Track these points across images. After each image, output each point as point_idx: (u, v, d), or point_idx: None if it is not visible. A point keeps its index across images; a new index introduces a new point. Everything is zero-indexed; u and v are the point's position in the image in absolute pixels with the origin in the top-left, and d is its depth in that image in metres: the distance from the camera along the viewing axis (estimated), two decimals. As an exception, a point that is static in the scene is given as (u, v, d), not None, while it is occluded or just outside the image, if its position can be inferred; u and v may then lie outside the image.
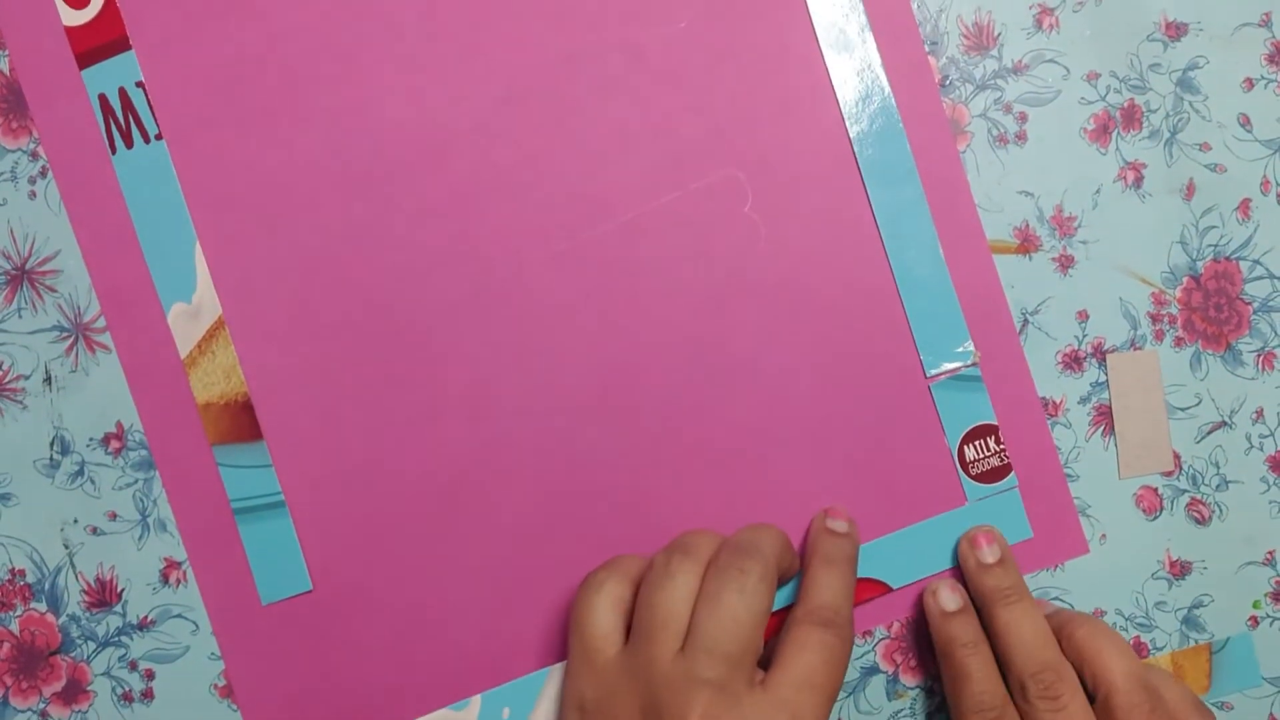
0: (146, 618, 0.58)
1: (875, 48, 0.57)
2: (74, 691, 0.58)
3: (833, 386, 0.57)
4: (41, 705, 0.58)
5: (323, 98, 0.57)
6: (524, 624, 0.58)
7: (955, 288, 0.57)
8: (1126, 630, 0.58)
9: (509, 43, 0.57)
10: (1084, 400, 0.58)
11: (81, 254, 0.57)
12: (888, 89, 0.57)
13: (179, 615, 0.58)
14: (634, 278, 0.57)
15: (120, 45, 0.57)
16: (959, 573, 0.57)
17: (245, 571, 0.57)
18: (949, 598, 0.56)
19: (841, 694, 0.58)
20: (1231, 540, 0.58)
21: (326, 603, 0.57)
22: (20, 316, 0.57)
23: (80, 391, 0.57)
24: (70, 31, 0.57)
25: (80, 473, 0.57)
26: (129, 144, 0.57)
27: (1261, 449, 0.58)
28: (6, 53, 0.57)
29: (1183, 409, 0.58)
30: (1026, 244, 0.57)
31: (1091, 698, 0.53)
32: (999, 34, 0.57)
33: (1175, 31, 0.58)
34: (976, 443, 0.57)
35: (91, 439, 0.57)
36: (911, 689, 0.58)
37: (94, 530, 0.57)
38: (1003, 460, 0.57)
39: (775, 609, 0.55)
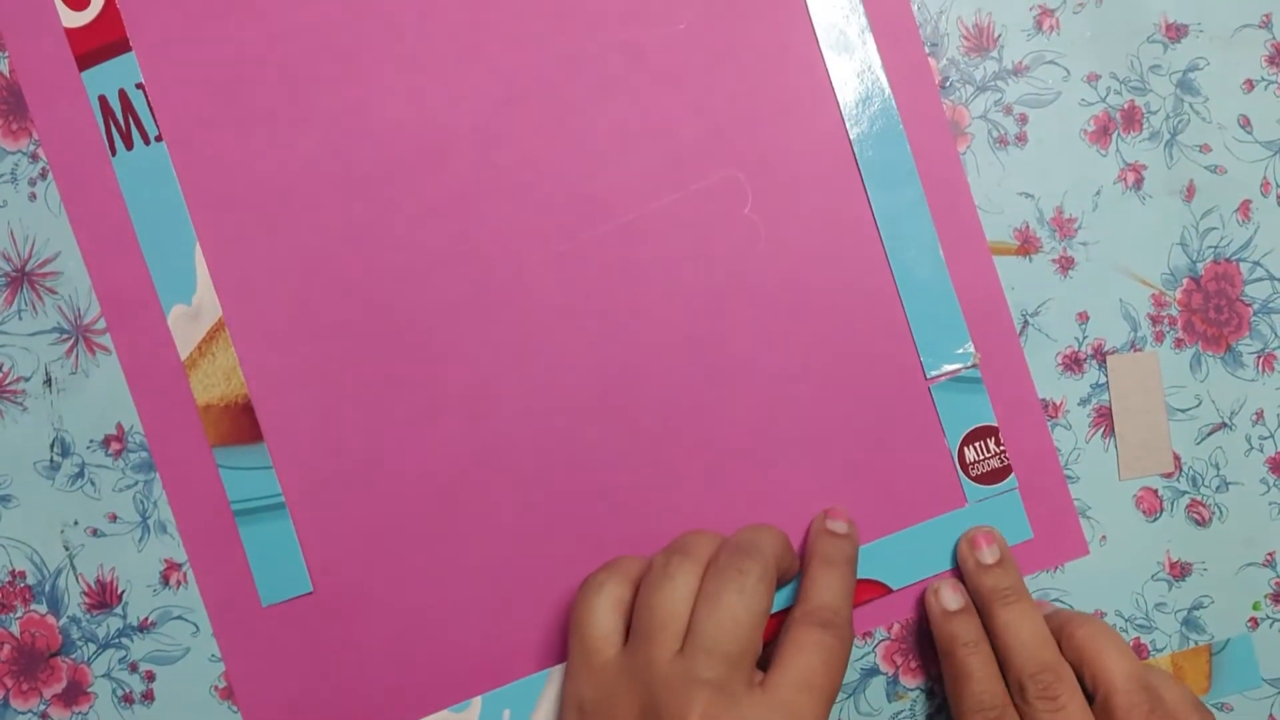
0: (147, 619, 0.58)
1: (875, 49, 0.57)
2: (74, 693, 0.58)
3: (833, 388, 0.57)
4: (42, 707, 0.58)
5: (323, 98, 0.57)
6: (524, 625, 0.58)
7: (955, 289, 0.57)
8: (1126, 631, 0.58)
9: (509, 43, 0.57)
10: (1084, 402, 0.58)
11: (82, 256, 0.57)
12: (888, 90, 0.57)
13: (179, 617, 0.58)
14: (634, 278, 0.57)
15: (120, 47, 0.57)
16: (959, 574, 0.57)
17: (245, 573, 0.57)
18: (950, 597, 0.56)
19: (842, 695, 0.58)
20: (1231, 542, 0.58)
21: (327, 604, 0.57)
22: (20, 318, 0.57)
23: (80, 393, 0.57)
24: (70, 33, 0.57)
25: (80, 474, 0.57)
26: (129, 145, 0.57)
27: (1261, 450, 0.58)
28: (6, 54, 0.57)
29: (1183, 410, 0.58)
30: (1027, 245, 0.57)
31: (1091, 698, 0.53)
32: (999, 35, 0.57)
33: (1175, 33, 0.58)
34: (977, 444, 0.57)
35: (92, 441, 0.57)
36: (912, 690, 0.58)
37: (94, 532, 0.57)
38: (1003, 461, 0.57)
39: (775, 610, 0.55)
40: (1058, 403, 0.58)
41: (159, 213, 0.57)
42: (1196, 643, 0.58)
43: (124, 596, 0.58)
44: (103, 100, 0.57)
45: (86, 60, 0.57)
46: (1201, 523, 0.58)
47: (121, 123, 0.57)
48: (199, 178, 0.57)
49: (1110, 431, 0.58)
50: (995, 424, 0.57)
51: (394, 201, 0.57)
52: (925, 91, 0.57)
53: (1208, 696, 0.58)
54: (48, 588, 0.58)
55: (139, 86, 0.57)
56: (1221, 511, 0.58)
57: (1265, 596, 0.58)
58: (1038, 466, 0.58)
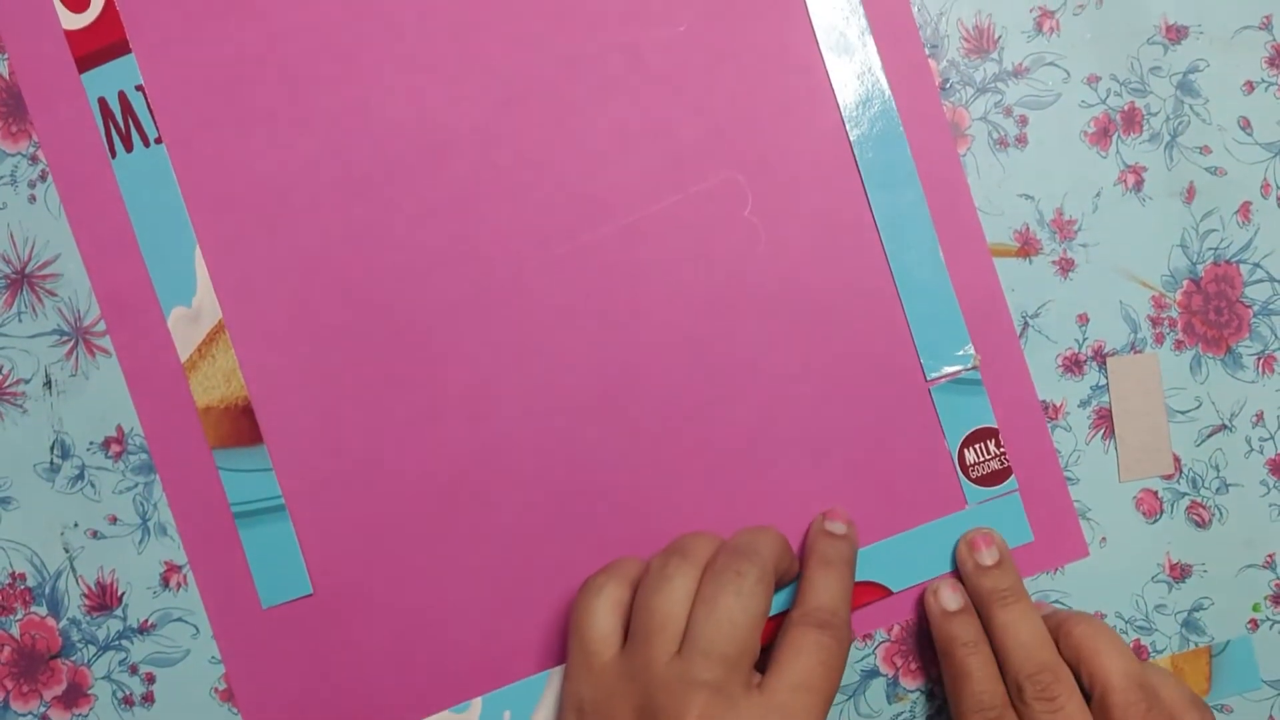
0: (147, 621, 0.58)
1: (875, 50, 0.57)
2: (74, 695, 0.58)
3: (833, 389, 0.57)
4: (42, 709, 0.58)
5: (323, 99, 0.57)
6: (524, 625, 0.58)
7: (955, 291, 0.57)
8: (1126, 633, 0.58)
9: (509, 44, 0.57)
10: (1084, 403, 0.58)
11: (81, 258, 0.57)
12: (888, 92, 0.57)
13: (179, 619, 0.58)
14: (634, 279, 0.57)
15: (120, 49, 0.57)
16: (959, 575, 0.57)
17: (246, 575, 0.57)
18: (950, 597, 0.56)
19: (842, 697, 0.58)
20: (1231, 543, 0.58)
21: (327, 606, 0.57)
22: (20, 320, 0.57)
23: (80, 395, 0.57)
24: (70, 35, 0.57)
25: (80, 476, 0.57)
26: (129, 147, 0.57)
27: (1261, 452, 0.58)
28: (6, 56, 0.57)
29: (1183, 412, 0.58)
30: (1027, 247, 0.57)
31: (1089, 697, 0.53)
32: (999, 37, 0.57)
33: (1175, 34, 0.58)
34: (976, 446, 0.57)
35: (92, 443, 0.57)
36: (912, 692, 0.58)
37: (94, 534, 0.57)
38: (1003, 463, 0.57)
39: (774, 612, 0.55)
40: (1058, 404, 0.58)
41: (159, 215, 0.57)
42: (1196, 644, 0.58)
43: (124, 598, 0.58)
44: (102, 102, 0.57)
45: (86, 62, 0.57)
46: (1201, 524, 0.58)
47: (121, 125, 0.57)
48: (199, 179, 0.57)
49: (1110, 433, 0.58)
50: (995, 426, 0.57)
51: (394, 202, 0.57)
52: (925, 93, 0.57)
53: (1208, 698, 0.58)
54: (48, 590, 0.58)
55: (139, 88, 0.57)
56: (1221, 513, 0.58)
57: (1265, 598, 0.58)
58: (1038, 468, 0.58)
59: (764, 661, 0.52)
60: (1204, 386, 0.58)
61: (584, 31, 0.57)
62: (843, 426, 0.57)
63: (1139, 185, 0.58)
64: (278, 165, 0.57)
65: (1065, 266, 0.58)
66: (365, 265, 0.57)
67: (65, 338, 0.57)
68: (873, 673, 0.58)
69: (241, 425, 0.57)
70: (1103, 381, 0.58)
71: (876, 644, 0.58)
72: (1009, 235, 0.57)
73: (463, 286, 0.57)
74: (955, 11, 0.57)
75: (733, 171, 0.57)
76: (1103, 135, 0.58)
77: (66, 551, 0.58)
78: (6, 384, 0.57)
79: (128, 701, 0.58)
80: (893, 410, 0.57)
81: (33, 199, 0.57)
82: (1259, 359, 0.58)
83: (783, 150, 0.57)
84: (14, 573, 0.57)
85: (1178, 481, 0.58)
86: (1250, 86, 0.58)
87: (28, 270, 0.57)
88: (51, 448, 0.57)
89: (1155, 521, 0.58)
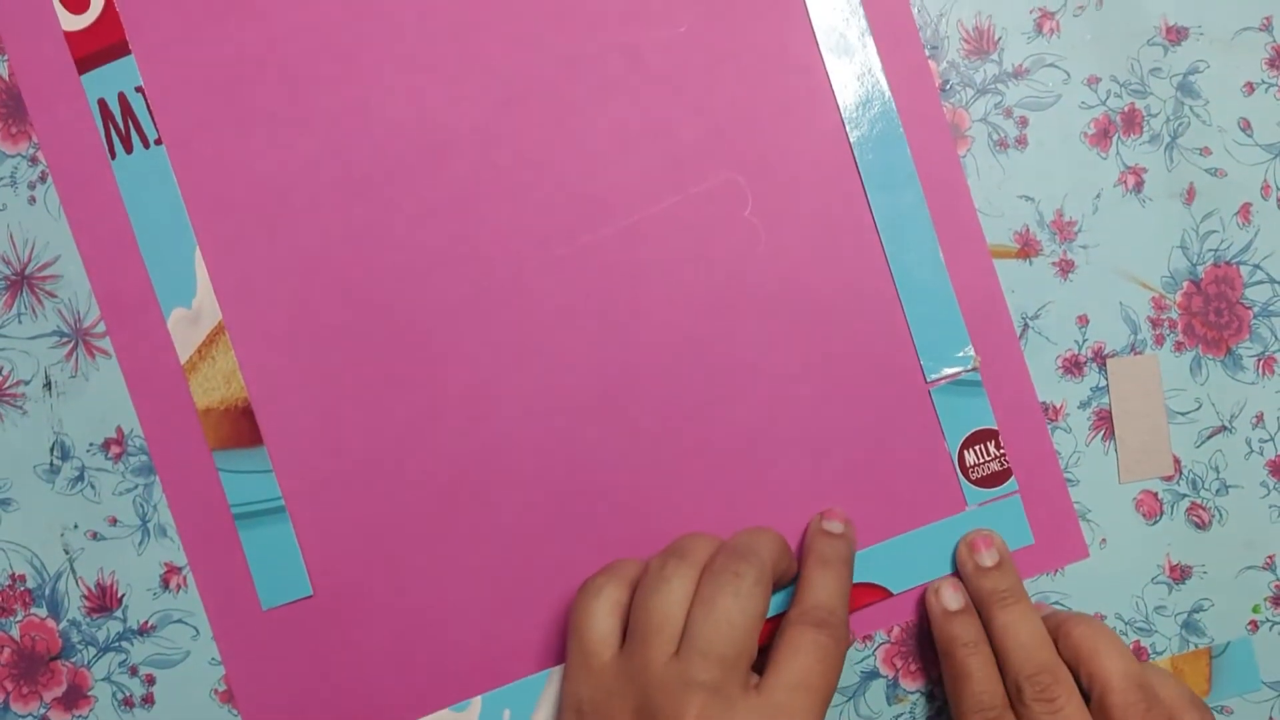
0: (147, 623, 0.58)
1: (875, 52, 0.57)
2: (74, 697, 0.58)
3: (832, 390, 0.57)
4: (42, 710, 0.58)
5: (323, 99, 0.57)
6: (524, 625, 0.58)
7: (955, 292, 0.57)
8: (1126, 634, 0.58)
9: (509, 44, 0.57)
10: (1084, 405, 0.58)
11: (81, 259, 0.57)
12: (888, 93, 0.57)
13: (179, 620, 0.58)
14: (634, 280, 0.57)
15: (120, 50, 0.57)
16: (959, 577, 0.57)
17: (245, 576, 0.57)
18: (951, 597, 0.56)
19: (842, 698, 0.58)
20: (1231, 544, 0.58)
21: (327, 607, 0.57)
22: (20, 322, 0.57)
23: (80, 397, 0.57)
24: (70, 36, 0.57)
25: (80, 478, 0.57)
26: (128, 149, 0.57)
27: (1261, 454, 0.58)
28: (6, 58, 0.57)
29: (1183, 414, 0.58)
30: (1027, 248, 0.57)
31: (1088, 698, 0.53)
32: (999, 38, 0.57)
33: (1176, 35, 0.57)
34: (976, 447, 0.57)
35: (91, 444, 0.57)
36: (911, 693, 0.58)
37: (94, 535, 0.57)
38: (1003, 465, 0.57)
39: (773, 614, 0.55)
40: (1058, 406, 0.58)
41: (159, 216, 0.57)
42: (1196, 646, 0.58)
43: (124, 600, 0.58)
44: (102, 104, 0.57)
45: (86, 64, 0.57)
46: (1201, 526, 0.58)
47: (121, 126, 0.57)
48: (198, 181, 0.57)
49: (1110, 434, 0.58)
50: (995, 427, 0.57)
51: (394, 202, 0.57)
52: (925, 94, 0.57)
53: (1208, 699, 0.58)
54: (48, 591, 0.58)
55: (138, 90, 0.57)
56: (1221, 514, 0.58)
57: (1265, 599, 0.58)
58: (1038, 469, 0.58)
59: (763, 662, 0.52)
60: (1204, 388, 0.58)
61: (584, 32, 0.57)
62: (842, 427, 0.57)
63: (1139, 186, 0.58)
64: (278, 166, 0.57)
65: (1065, 268, 0.58)
66: (365, 266, 0.57)
67: (65, 339, 0.57)
68: (873, 674, 0.58)
69: (241, 426, 0.57)
70: (1103, 383, 0.58)
71: (876, 645, 0.58)
72: (1009, 236, 0.57)
73: (463, 287, 0.57)
74: (955, 13, 0.57)
75: (733, 172, 0.57)
76: (1103, 136, 0.58)
77: (66, 553, 0.58)
78: (6, 385, 0.57)
79: (128, 703, 0.58)
80: (892, 411, 0.57)
81: (33, 200, 0.57)
82: (1259, 360, 0.58)
83: (783, 151, 0.57)
84: (14, 574, 0.57)
85: (1178, 483, 0.58)
86: (1250, 88, 0.58)
87: (28, 271, 0.57)
88: (51, 449, 0.57)
89: (1155, 523, 0.58)
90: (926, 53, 0.57)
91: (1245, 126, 0.58)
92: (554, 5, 0.57)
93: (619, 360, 0.57)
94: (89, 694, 0.58)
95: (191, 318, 0.57)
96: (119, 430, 0.57)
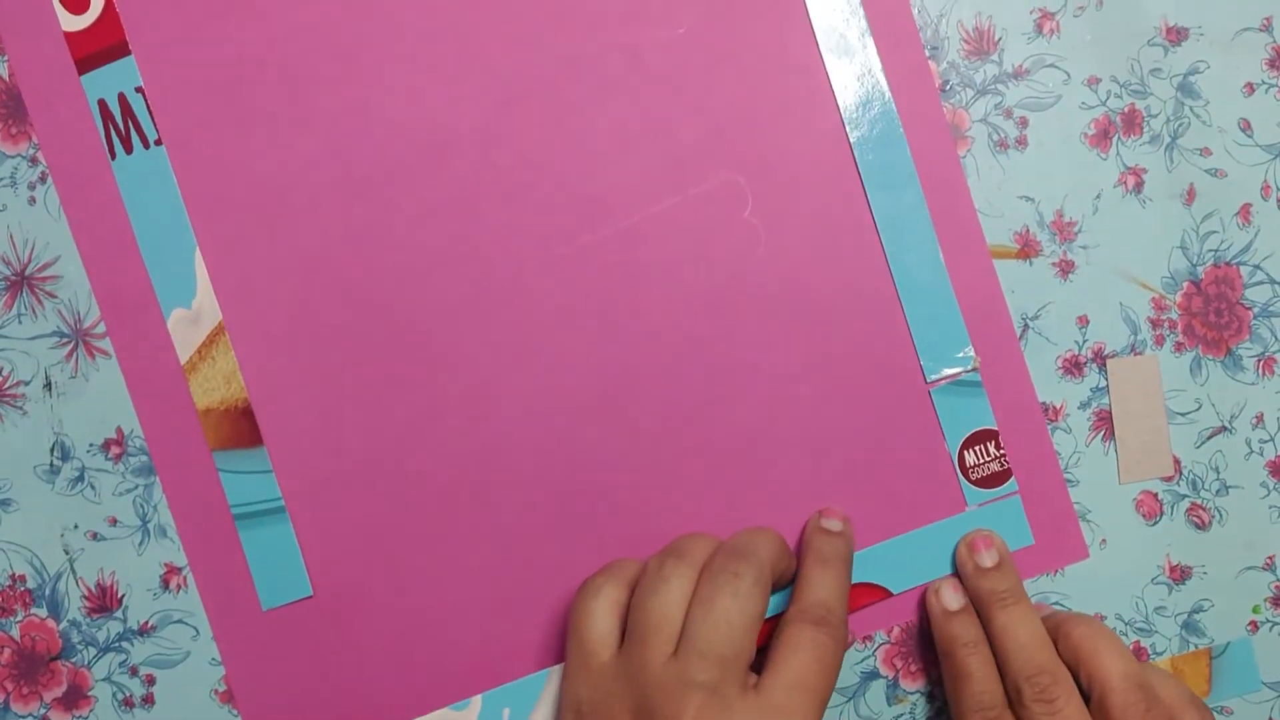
0: (147, 623, 0.58)
1: (875, 52, 0.57)
2: (75, 697, 0.58)
3: (833, 390, 0.57)
4: (42, 711, 0.58)
5: (323, 99, 0.57)
6: (524, 625, 0.58)
7: (955, 293, 0.57)
8: (1126, 635, 0.58)
9: (509, 44, 0.57)
10: (1084, 405, 0.58)
11: (81, 260, 0.57)
12: (888, 94, 0.57)
13: (179, 621, 0.58)
14: (634, 280, 0.57)
15: (119, 50, 0.57)
16: (959, 577, 0.57)
17: (246, 577, 0.57)
18: (952, 597, 0.56)
19: (842, 699, 0.58)
20: (1231, 545, 0.58)
21: (327, 608, 0.57)
22: (20, 322, 0.57)
23: (80, 397, 0.57)
24: (69, 37, 0.57)
25: (80, 478, 0.57)
26: (128, 149, 0.57)
27: (1261, 454, 0.58)
28: (6, 58, 0.57)
29: (1183, 414, 0.58)
30: (1027, 249, 0.57)
31: (1088, 698, 0.53)
32: (999, 39, 0.57)
33: (1176, 36, 0.57)
34: (976, 448, 0.57)
35: (92, 445, 0.57)
36: (911, 694, 0.58)
37: (94, 536, 0.57)
38: (1003, 465, 0.57)
39: (772, 614, 0.55)
40: (1058, 406, 0.58)
41: (159, 216, 0.57)
42: (1196, 646, 0.58)
43: (124, 600, 0.58)
44: (102, 104, 0.57)
45: (86, 64, 0.57)
46: (1201, 526, 0.58)
47: (121, 127, 0.57)
48: (198, 181, 0.57)
49: (1110, 435, 0.58)
50: (995, 427, 0.57)
51: (394, 202, 0.57)
52: (925, 95, 0.57)
53: (1208, 700, 0.58)
54: (48, 591, 0.58)
55: (138, 90, 0.57)
56: (1221, 515, 0.58)
57: (1265, 600, 0.58)
58: (1038, 470, 0.58)
59: (762, 662, 0.52)
60: (1204, 388, 0.58)
61: (584, 32, 0.57)
62: (842, 428, 0.57)
63: (1139, 187, 0.58)
64: (277, 166, 0.57)
65: (1065, 268, 0.57)
66: (365, 266, 0.57)
67: (65, 339, 0.57)
68: (872, 674, 0.58)
69: (241, 427, 0.57)
70: (1103, 383, 0.58)
71: (876, 646, 0.58)
72: (1009, 237, 0.57)
73: (463, 287, 0.57)
74: (955, 13, 0.57)
75: (733, 173, 0.57)
76: (1103, 137, 0.57)
77: (66, 553, 0.58)
78: (6, 386, 0.57)
79: (128, 703, 0.58)
80: (892, 412, 0.57)
81: (32, 201, 0.57)
82: (1259, 361, 0.58)
83: (783, 151, 0.57)
84: (14, 574, 0.57)
85: (1178, 483, 0.58)
86: (1250, 88, 0.58)
87: (27, 272, 0.57)
88: (51, 450, 0.57)
89: (1155, 523, 0.58)
90: (926, 53, 0.57)
91: (1245, 127, 0.58)
92: (554, 5, 0.57)
93: (619, 360, 0.57)
94: (89, 694, 0.58)
95: (191, 318, 0.57)
96: (119, 431, 0.57)
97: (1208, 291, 0.58)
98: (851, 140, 0.57)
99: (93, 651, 0.58)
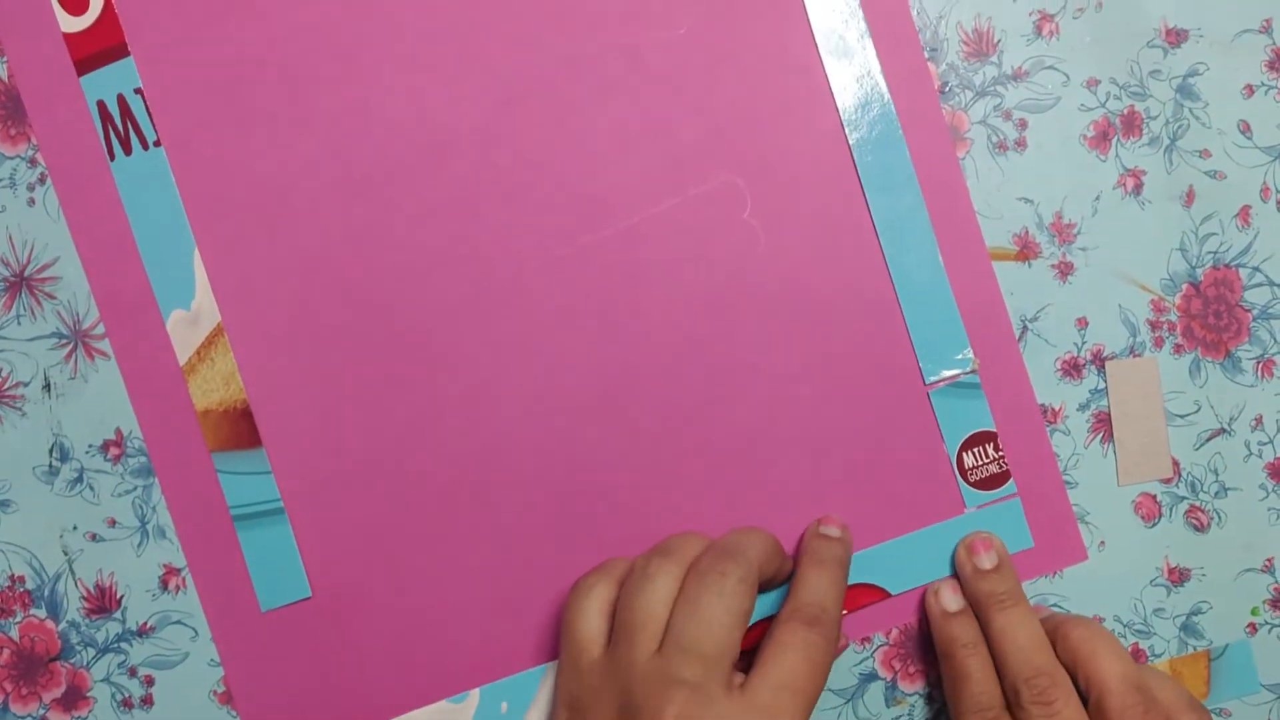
0: (146, 624, 0.58)
1: (875, 54, 0.57)
2: (74, 698, 0.58)
3: (832, 392, 0.57)
4: (41, 711, 0.58)
5: (322, 99, 0.57)
6: (524, 623, 0.58)
7: (954, 294, 0.57)
8: (1125, 637, 0.58)
9: (509, 44, 0.57)
10: (1083, 407, 0.58)
11: (80, 261, 0.57)
12: (887, 95, 0.57)
13: (178, 622, 0.58)
14: (634, 280, 0.57)
15: (119, 51, 0.57)
16: (958, 579, 0.57)
17: (244, 578, 0.57)
18: (951, 598, 0.56)
19: (840, 700, 0.58)
20: (1230, 547, 0.58)
21: (326, 609, 0.57)
22: (19, 323, 0.57)
23: (79, 398, 0.57)
24: (69, 38, 0.57)
25: (79, 479, 0.57)
26: (127, 150, 0.57)
27: (1260, 456, 0.58)
28: (5, 59, 0.57)
29: (1182, 416, 0.58)
30: (1026, 251, 0.57)
31: (1086, 700, 0.53)
32: (999, 40, 0.57)
33: (1175, 38, 0.57)
34: (975, 449, 0.57)
35: (91, 446, 0.57)
36: (910, 695, 0.58)
37: (93, 537, 0.58)
38: (1001, 467, 0.57)
39: (765, 615, 0.55)
40: (1057, 408, 0.58)
41: (158, 218, 0.57)
42: (1195, 648, 0.58)
43: (123, 601, 0.58)
44: (101, 105, 0.57)
45: (85, 65, 0.57)
46: (1200, 528, 0.58)
47: (120, 128, 0.57)
48: (197, 182, 0.57)
49: (1109, 437, 0.58)
50: (994, 429, 0.57)
51: (394, 203, 0.57)
52: (924, 96, 0.57)
53: (1206, 702, 0.58)
54: (47, 592, 0.58)
55: (137, 91, 0.57)
56: (1220, 517, 0.58)
57: (1264, 602, 0.58)
58: (1036, 472, 0.58)
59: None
60: (1203, 390, 0.58)
61: (584, 32, 0.57)
62: (842, 429, 0.57)
63: (1138, 189, 0.58)
64: (277, 167, 0.57)
65: (1064, 270, 0.57)
66: (365, 267, 0.57)
67: (64, 340, 0.57)
68: (871, 676, 0.58)
69: (240, 428, 0.57)
70: (1102, 385, 0.58)
71: (875, 647, 0.58)
72: (1008, 239, 0.57)
73: (463, 287, 0.57)
74: (955, 15, 0.57)
75: (732, 174, 0.57)
76: (1102, 139, 0.57)
77: (65, 554, 0.58)
78: (5, 387, 0.57)
79: (127, 704, 0.58)
80: (891, 413, 0.57)
81: (32, 202, 0.57)
82: (1258, 363, 0.58)
83: (782, 153, 0.57)
84: (13, 575, 0.58)
85: (1176, 485, 0.58)
86: (1250, 90, 0.58)
87: (27, 273, 0.57)
88: (50, 450, 0.58)
89: (1154, 525, 0.58)
90: (926, 55, 0.57)
91: (1245, 129, 0.58)
92: (554, 6, 0.57)
93: (619, 360, 0.57)
94: (88, 695, 0.58)
95: (190, 319, 0.57)
96: (118, 432, 0.57)
97: (1207, 293, 0.58)
98: (850, 142, 0.57)
99: (92, 652, 0.58)
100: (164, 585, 0.58)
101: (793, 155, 0.57)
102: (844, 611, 0.57)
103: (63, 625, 0.58)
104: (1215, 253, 0.58)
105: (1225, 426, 0.58)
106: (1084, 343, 0.58)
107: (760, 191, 0.57)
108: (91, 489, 0.57)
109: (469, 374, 0.57)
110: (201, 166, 0.57)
